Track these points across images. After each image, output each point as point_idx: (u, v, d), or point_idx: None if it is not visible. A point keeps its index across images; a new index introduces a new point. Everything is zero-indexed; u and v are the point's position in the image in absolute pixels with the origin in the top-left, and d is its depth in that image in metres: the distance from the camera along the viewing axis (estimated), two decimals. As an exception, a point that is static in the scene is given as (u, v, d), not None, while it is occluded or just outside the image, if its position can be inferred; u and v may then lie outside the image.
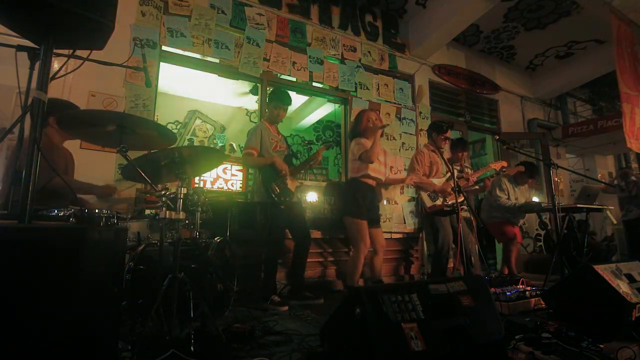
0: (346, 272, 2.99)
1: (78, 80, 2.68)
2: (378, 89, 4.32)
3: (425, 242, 4.11)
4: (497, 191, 3.81)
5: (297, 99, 5.26)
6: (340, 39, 4.15)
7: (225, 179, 4.92)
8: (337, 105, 4.71)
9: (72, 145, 2.45)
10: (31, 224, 0.99)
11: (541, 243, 5.15)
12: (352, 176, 2.98)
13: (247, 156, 2.79)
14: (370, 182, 2.93)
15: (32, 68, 1.18)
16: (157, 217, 1.96)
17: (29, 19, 1.08)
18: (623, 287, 1.77)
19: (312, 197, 3.62)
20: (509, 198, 3.80)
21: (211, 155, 1.91)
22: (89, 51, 1.38)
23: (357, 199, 2.84)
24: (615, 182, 5.09)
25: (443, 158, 3.13)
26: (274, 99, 2.92)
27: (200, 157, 1.78)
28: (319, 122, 6.63)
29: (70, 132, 1.70)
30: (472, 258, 2.98)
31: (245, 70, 3.49)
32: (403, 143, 4.39)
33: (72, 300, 0.89)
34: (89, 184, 2.24)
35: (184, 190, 1.58)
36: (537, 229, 5.20)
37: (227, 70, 3.51)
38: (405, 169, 4.16)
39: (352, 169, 2.99)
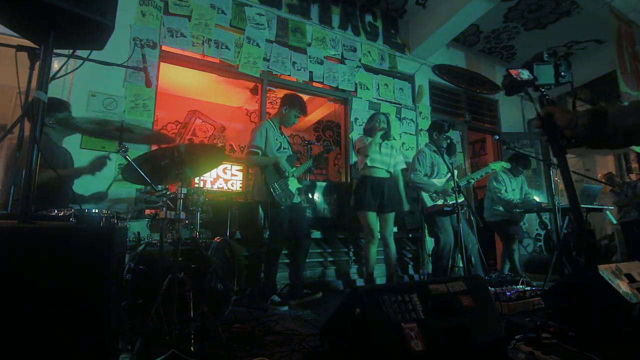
0: (364, 260, 3.28)
1: (78, 80, 2.68)
2: (378, 89, 4.32)
3: (425, 242, 4.11)
4: (495, 183, 3.88)
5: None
6: (340, 39, 4.15)
7: (225, 179, 4.92)
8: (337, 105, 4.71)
9: (72, 145, 2.44)
10: (34, 224, 0.99)
11: (541, 243, 5.15)
12: (359, 171, 3.27)
13: (250, 155, 2.80)
14: (374, 174, 3.14)
15: (32, 68, 1.18)
16: (157, 217, 1.96)
17: (29, 19, 1.07)
18: (623, 287, 1.77)
19: (312, 197, 3.62)
20: (506, 190, 3.84)
21: (211, 153, 1.91)
22: (89, 51, 1.38)
23: (361, 192, 3.09)
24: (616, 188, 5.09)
25: (444, 158, 3.14)
26: (297, 107, 2.95)
27: (200, 156, 1.78)
28: (319, 122, 6.62)
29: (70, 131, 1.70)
30: (472, 258, 2.98)
31: (245, 70, 3.48)
32: (403, 143, 4.39)
33: (71, 300, 0.89)
34: (75, 168, 2.15)
35: (184, 190, 1.59)
36: (537, 229, 5.20)
37: (227, 70, 3.51)
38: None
39: (358, 164, 3.31)
